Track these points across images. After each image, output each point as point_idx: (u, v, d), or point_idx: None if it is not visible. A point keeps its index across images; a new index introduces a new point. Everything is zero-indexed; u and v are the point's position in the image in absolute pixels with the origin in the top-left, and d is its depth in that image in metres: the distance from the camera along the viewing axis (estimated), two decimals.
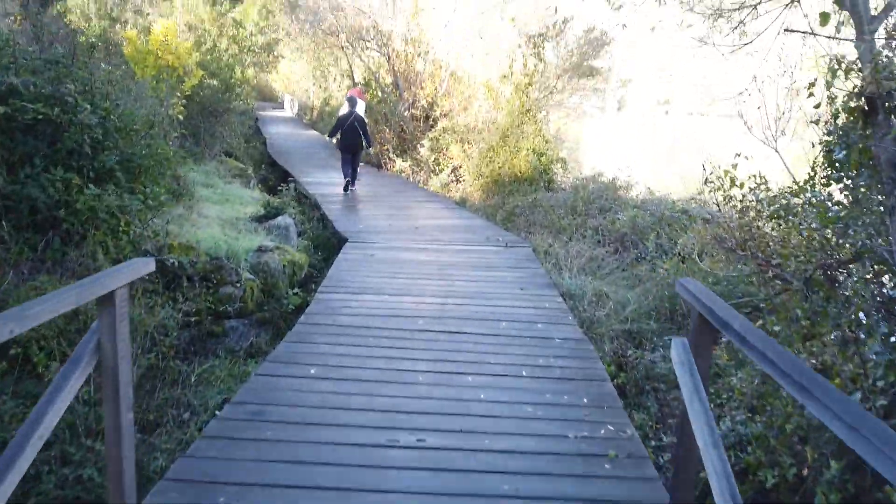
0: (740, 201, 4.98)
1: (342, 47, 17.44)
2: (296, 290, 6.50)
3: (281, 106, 41.61)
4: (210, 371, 5.01)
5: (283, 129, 24.28)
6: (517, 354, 4.66)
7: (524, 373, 4.36)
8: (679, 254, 7.89)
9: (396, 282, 6.27)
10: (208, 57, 10.89)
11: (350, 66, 18.51)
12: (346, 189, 11.72)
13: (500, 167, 13.81)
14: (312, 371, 4.21)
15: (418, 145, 15.93)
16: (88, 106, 5.20)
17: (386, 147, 16.44)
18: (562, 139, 15.15)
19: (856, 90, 3.89)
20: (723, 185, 5.17)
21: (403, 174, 15.70)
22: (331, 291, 5.85)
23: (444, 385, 4.11)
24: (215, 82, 10.93)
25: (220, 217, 7.62)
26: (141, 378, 4.38)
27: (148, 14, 10.77)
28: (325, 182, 12.51)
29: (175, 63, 10.16)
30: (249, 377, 4.32)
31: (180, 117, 10.32)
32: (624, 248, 8.76)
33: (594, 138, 17.62)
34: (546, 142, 14.13)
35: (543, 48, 13.99)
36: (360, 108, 13.18)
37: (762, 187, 4.98)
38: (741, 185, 5.10)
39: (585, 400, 3.99)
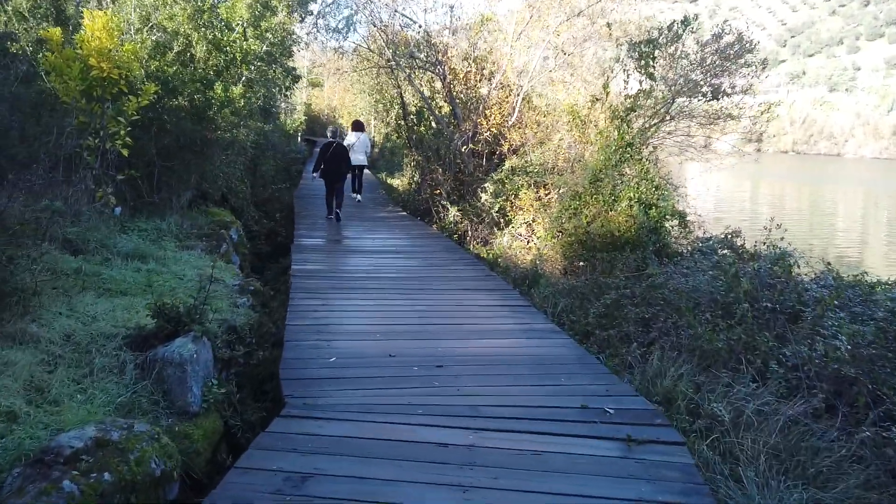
0: None
1: (390, 67, 14.11)
2: None
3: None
4: None
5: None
6: None
7: None
8: None
9: None
10: (173, 68, 7.59)
11: (400, 92, 15.16)
12: (329, 216, 11.43)
13: (588, 222, 9.86)
14: None
15: (479, 189, 12.23)
16: None
17: (438, 191, 12.82)
18: (674, 184, 11.06)
19: None
20: None
21: (460, 227, 11.98)
22: None
23: None
24: (182, 101, 7.61)
25: (73, 335, 4.06)
26: None
27: (106, 9, 7.60)
28: (331, 249, 8.81)
29: (114, 74, 6.92)
30: None
31: (124, 152, 7.04)
32: (847, 403, 4.58)
33: (715, 182, 13.42)
34: (656, 188, 10.08)
35: (654, 59, 10.05)
36: (354, 138, 13.44)
37: None
38: None
39: None
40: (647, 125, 11.10)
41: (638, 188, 9.91)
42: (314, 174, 11.61)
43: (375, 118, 32.81)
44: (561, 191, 11.20)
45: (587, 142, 11.54)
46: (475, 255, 10.53)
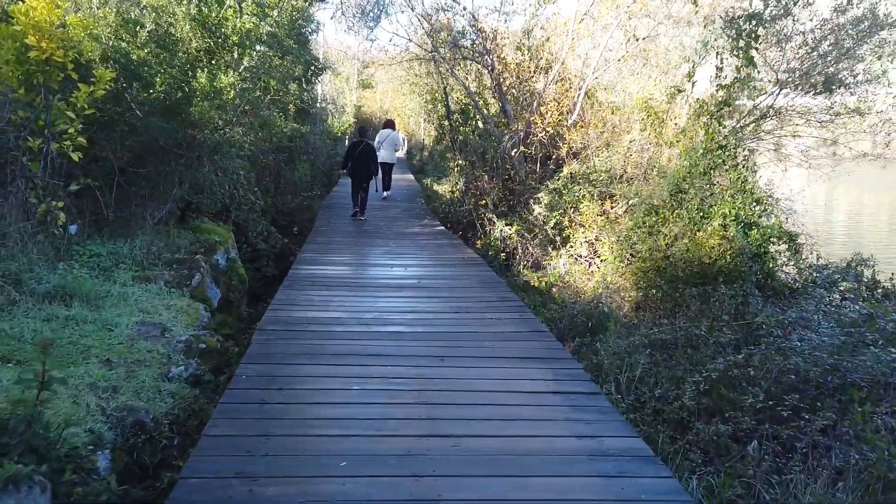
0: None
1: (432, 58, 12.36)
2: None
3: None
4: None
5: None
6: None
7: None
8: None
9: None
10: (143, 50, 6.02)
11: (444, 88, 13.39)
12: (353, 216, 11.72)
13: (668, 244, 7.85)
14: None
15: (531, 200, 10.32)
16: None
17: (483, 201, 10.97)
18: (774, 196, 8.84)
19: None
20: None
21: (508, 244, 10.08)
22: None
23: None
24: (156, 92, 6.04)
25: None
26: None
27: None
28: (335, 281, 6.69)
29: (58, 56, 5.41)
30: None
31: (74, 157, 5.52)
32: None
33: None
34: (756, 202, 7.95)
35: (757, 39, 7.91)
36: (384, 136, 13.73)
37: None
38: None
39: None
40: (742, 123, 8.95)
41: (734, 202, 7.81)
42: (342, 171, 12.22)
43: (426, 120, 31.31)
44: (631, 202, 9.19)
45: (665, 144, 9.48)
46: (524, 282, 8.65)
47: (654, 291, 7.74)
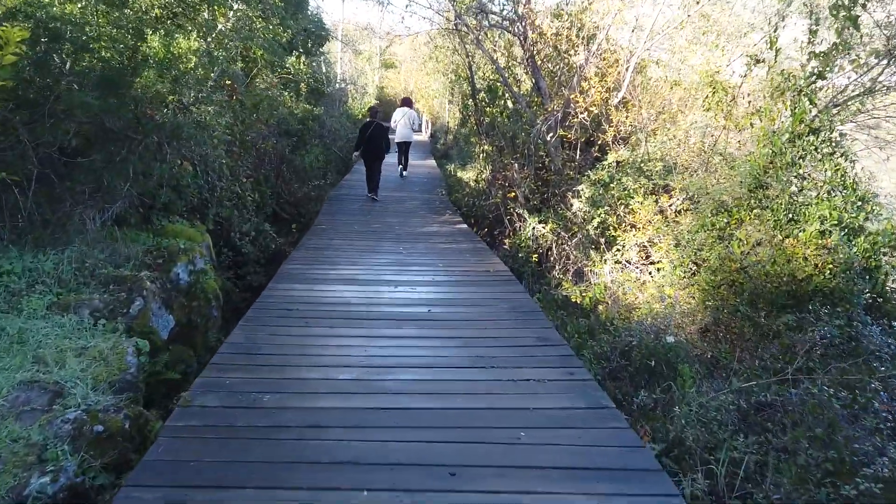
0: None
1: (455, 27, 10.78)
2: None
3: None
4: None
5: (389, 159, 18.23)
6: None
7: None
8: None
9: None
10: (77, 5, 4.62)
11: (469, 63, 11.82)
12: (369, 193, 11.55)
13: (743, 251, 6.28)
14: None
15: (570, 194, 8.77)
16: None
17: (513, 194, 9.43)
18: (873, 191, 7.16)
19: None
20: None
21: (542, 245, 8.57)
22: None
23: None
24: (95, 59, 4.65)
25: None
26: None
27: None
28: (317, 309, 5.00)
29: None
30: None
31: None
32: None
33: None
34: (861, 201, 6.31)
35: None
36: (401, 115, 13.61)
37: None
38: None
39: None
40: (836, 102, 7.27)
41: (832, 201, 6.18)
42: (355, 153, 11.89)
43: (450, 101, 29.69)
44: (693, 196, 7.61)
45: (733, 126, 7.84)
46: (563, 297, 7.14)
47: (726, 313, 6.20)
